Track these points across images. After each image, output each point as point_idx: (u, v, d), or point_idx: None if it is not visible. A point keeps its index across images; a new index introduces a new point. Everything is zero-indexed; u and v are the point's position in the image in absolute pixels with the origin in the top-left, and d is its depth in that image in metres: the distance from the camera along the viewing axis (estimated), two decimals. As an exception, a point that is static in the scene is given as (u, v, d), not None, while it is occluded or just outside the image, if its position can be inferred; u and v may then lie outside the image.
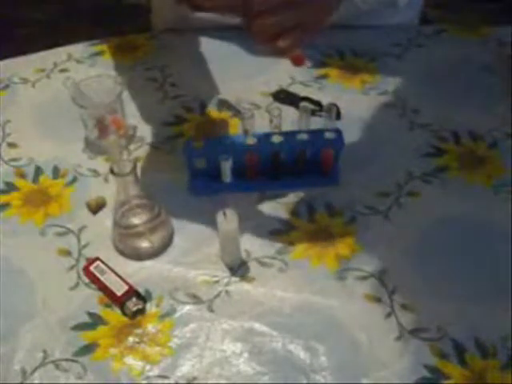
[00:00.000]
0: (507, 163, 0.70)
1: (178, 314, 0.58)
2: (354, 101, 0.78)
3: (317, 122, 0.67)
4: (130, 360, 0.55)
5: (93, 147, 0.74)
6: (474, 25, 0.90)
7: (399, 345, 0.55)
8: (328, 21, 0.54)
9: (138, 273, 0.61)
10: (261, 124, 0.66)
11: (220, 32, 0.88)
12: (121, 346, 0.56)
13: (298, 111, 0.66)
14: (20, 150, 0.74)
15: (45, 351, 0.56)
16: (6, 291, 0.60)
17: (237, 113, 0.77)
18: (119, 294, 0.58)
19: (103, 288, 0.59)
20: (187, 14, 0.88)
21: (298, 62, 0.53)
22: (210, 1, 0.50)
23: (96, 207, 0.67)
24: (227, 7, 0.51)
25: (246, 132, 0.65)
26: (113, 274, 0.60)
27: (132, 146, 0.74)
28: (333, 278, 0.60)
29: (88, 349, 0.56)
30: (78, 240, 0.64)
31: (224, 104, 0.79)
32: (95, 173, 0.71)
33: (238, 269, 0.61)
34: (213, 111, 0.78)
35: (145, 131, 0.75)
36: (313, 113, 0.70)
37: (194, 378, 0.54)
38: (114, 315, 0.58)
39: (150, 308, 0.59)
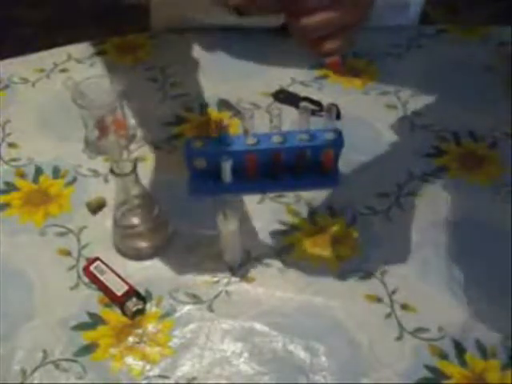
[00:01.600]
0: (507, 163, 0.70)
1: (177, 314, 0.58)
2: (354, 101, 0.78)
3: (317, 122, 0.67)
4: (130, 360, 0.55)
5: (93, 147, 0.74)
6: (474, 25, 0.90)
7: (399, 345, 0.55)
8: (367, 22, 0.52)
9: (138, 273, 0.61)
10: (261, 124, 0.66)
11: (220, 32, 0.88)
12: (121, 345, 0.56)
13: (298, 111, 0.66)
14: (20, 150, 0.74)
15: (45, 351, 0.56)
16: (6, 291, 0.60)
17: (237, 113, 0.77)
18: (119, 294, 0.58)
19: (103, 288, 0.59)
20: (187, 14, 0.88)
21: (335, 67, 0.51)
22: (254, 3, 0.49)
23: (96, 207, 0.67)
24: (271, 8, 0.49)
25: (246, 132, 0.65)
26: (113, 274, 0.60)
27: (132, 146, 0.74)
28: (333, 278, 0.60)
29: (88, 349, 0.56)
30: (78, 240, 0.64)
31: (224, 104, 0.79)
32: (95, 173, 0.71)
33: (238, 269, 0.61)
34: (213, 111, 0.78)
35: (145, 131, 0.75)
36: (313, 113, 0.70)
37: (194, 378, 0.54)
38: (114, 315, 0.58)
39: (150, 308, 0.59)
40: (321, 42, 0.48)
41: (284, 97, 0.79)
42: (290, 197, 0.68)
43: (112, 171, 0.56)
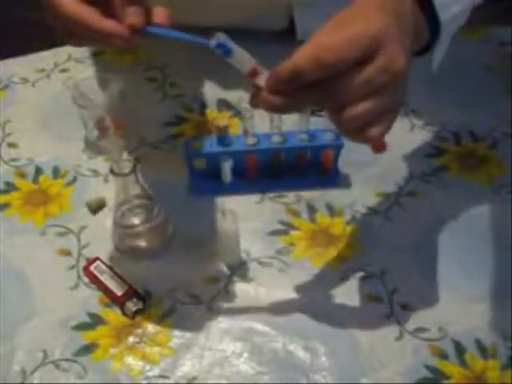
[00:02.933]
0: (507, 163, 0.70)
1: (178, 314, 0.58)
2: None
3: (317, 122, 0.67)
4: (130, 360, 0.55)
5: (93, 147, 0.74)
6: (474, 25, 0.90)
7: (399, 345, 0.55)
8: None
9: (138, 273, 0.61)
10: (261, 124, 0.66)
11: (220, 32, 0.88)
12: (121, 345, 0.56)
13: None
14: (20, 150, 0.74)
15: (45, 351, 0.56)
16: (6, 291, 0.60)
17: (237, 113, 0.77)
18: (119, 294, 0.58)
19: (103, 288, 0.59)
20: (187, 14, 0.87)
21: (380, 149, 0.49)
22: (292, 103, 0.46)
23: (96, 207, 0.67)
24: (313, 106, 0.48)
25: (245, 132, 0.65)
26: (113, 274, 0.60)
27: (132, 146, 0.73)
28: (333, 278, 0.60)
29: (88, 349, 0.56)
30: (78, 240, 0.64)
31: (224, 104, 0.79)
32: (95, 173, 0.71)
33: (238, 269, 0.61)
34: (213, 111, 0.78)
35: (145, 131, 0.75)
36: (313, 113, 0.70)
37: (194, 378, 0.54)
38: (114, 315, 0.58)
39: (150, 308, 0.59)
40: (364, 130, 0.46)
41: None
42: (290, 197, 0.68)
43: (112, 171, 0.56)
